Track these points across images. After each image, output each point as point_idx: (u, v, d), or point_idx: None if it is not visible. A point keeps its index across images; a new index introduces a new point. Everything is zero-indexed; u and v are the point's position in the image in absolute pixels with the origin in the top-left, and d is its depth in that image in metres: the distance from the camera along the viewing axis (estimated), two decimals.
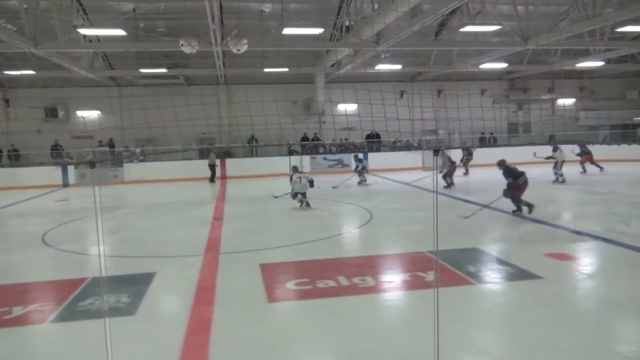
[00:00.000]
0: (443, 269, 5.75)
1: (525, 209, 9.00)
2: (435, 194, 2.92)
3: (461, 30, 15.37)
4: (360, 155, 16.83)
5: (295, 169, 11.24)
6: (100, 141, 20.18)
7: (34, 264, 7.15)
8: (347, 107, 22.80)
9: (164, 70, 18.60)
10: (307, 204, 10.76)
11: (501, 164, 9.45)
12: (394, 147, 19.36)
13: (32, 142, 19.43)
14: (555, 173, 14.08)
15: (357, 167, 15.65)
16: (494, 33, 16.39)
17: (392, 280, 5.67)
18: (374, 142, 19.84)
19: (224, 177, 18.88)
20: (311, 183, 10.77)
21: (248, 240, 8.10)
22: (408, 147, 19.46)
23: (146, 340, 4.17)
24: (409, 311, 4.84)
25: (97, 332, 4.22)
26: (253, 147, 20.62)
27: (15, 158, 19.60)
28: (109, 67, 18.92)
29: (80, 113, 20.99)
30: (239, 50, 11.99)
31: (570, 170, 14.82)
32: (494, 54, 18.12)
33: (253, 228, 9.25)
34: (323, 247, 7.55)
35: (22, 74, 17.81)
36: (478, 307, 4.81)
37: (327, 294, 5.15)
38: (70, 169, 17.87)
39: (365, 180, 15.56)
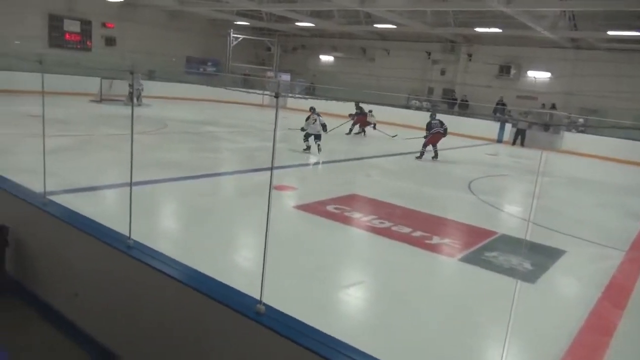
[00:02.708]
0: None
1: None
2: None
3: None
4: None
5: (313, 109, 10.99)
6: (543, 104, 19.86)
7: (456, 204, 8.00)
8: None
9: (635, 33, 16.15)
10: (319, 148, 10.71)
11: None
12: None
13: (481, 95, 21.16)
14: None
15: None
16: None
17: None
18: None
19: None
20: (324, 127, 10.82)
21: None
22: None
23: (538, 315, 4.02)
24: None
25: (493, 284, 4.41)
26: None
27: (463, 107, 21.87)
28: (573, 28, 17.88)
29: (531, 73, 21.11)
30: None
31: None
32: None
33: None
34: None
35: (487, 32, 19.15)
36: None
37: None
38: (508, 126, 18.52)
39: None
